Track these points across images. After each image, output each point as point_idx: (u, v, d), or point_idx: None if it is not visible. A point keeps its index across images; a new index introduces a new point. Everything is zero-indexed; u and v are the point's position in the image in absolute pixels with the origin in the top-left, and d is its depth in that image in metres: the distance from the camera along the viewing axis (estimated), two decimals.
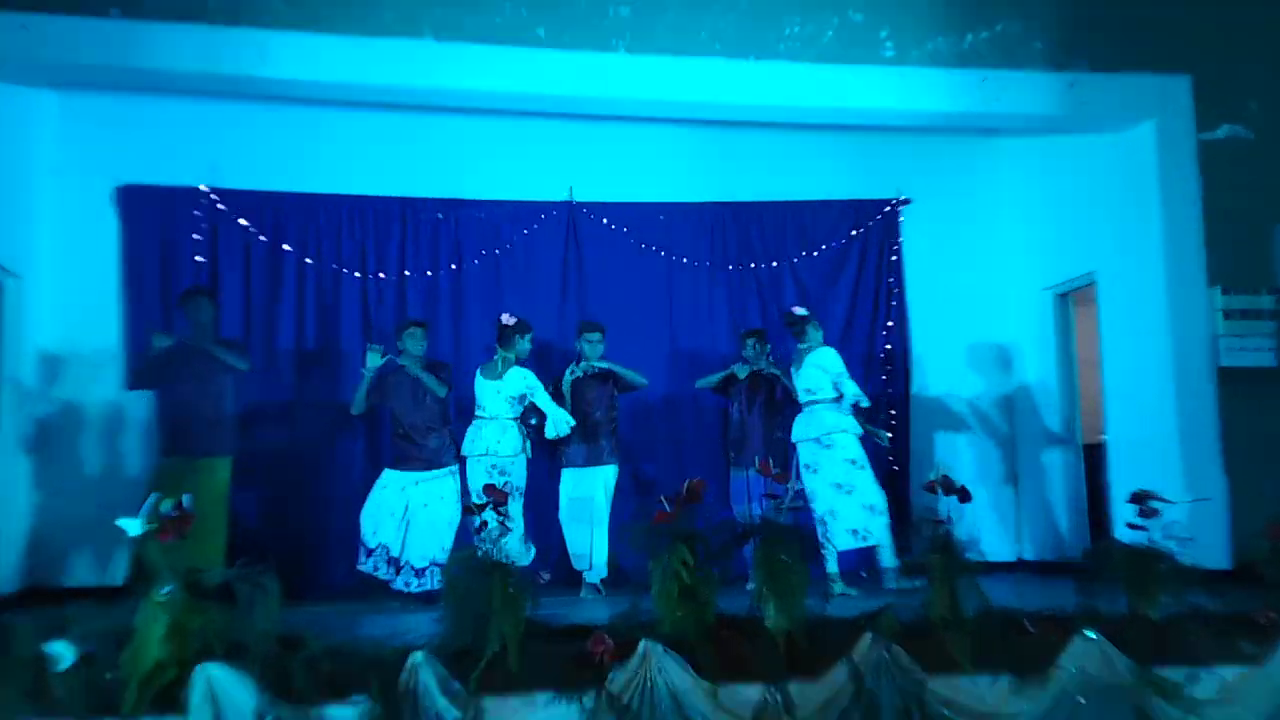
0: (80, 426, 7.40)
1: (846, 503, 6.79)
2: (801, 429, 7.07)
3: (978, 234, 8.51)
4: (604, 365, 7.17)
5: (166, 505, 4.34)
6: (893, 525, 6.94)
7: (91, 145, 7.55)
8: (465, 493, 6.70)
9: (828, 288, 8.34)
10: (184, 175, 7.64)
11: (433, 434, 6.86)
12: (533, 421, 7.03)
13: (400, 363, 6.86)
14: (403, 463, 6.86)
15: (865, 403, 6.99)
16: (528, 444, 6.95)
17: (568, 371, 7.10)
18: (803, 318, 7.16)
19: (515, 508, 6.69)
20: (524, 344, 6.97)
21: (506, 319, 6.91)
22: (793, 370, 7.13)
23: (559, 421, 6.94)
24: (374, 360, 6.80)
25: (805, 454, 6.99)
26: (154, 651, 4.26)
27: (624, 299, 8.06)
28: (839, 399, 6.95)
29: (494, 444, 6.85)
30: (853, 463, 6.89)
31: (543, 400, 6.92)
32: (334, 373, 7.75)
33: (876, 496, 6.80)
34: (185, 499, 4.39)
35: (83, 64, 6.59)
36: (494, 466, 6.74)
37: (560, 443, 7.13)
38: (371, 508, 6.82)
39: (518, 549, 6.33)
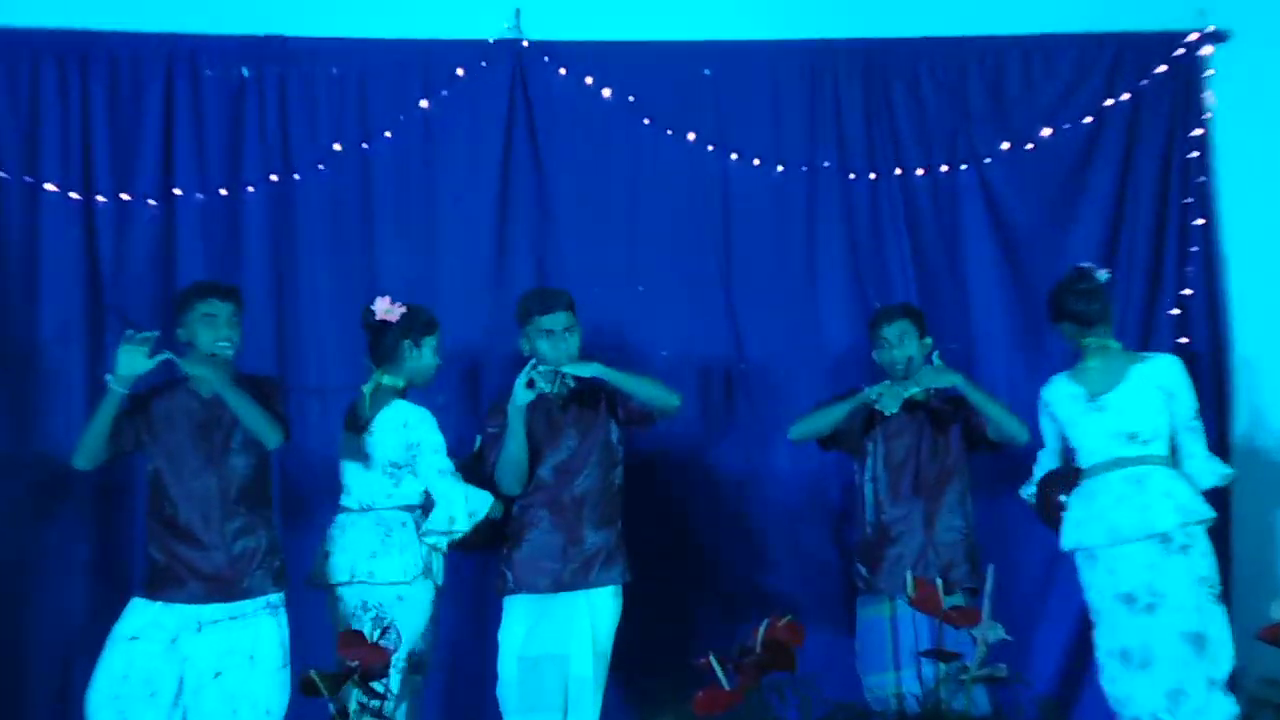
0: None
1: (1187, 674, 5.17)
2: (1078, 519, 5.35)
3: None
4: (589, 372, 5.19)
5: None
6: None
7: None
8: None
9: (1055, 215, 6.07)
10: None
11: (238, 528, 4.97)
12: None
13: (188, 372, 4.92)
14: (172, 586, 4.95)
15: (1224, 475, 5.34)
16: (434, 560, 5.18)
17: (519, 384, 5.07)
18: (1096, 288, 5.39)
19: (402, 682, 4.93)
20: (421, 356, 5.12)
21: (384, 308, 5.14)
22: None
23: (459, 507, 5.07)
24: (135, 363, 4.75)
25: (1086, 568, 5.35)
26: None
27: (628, 238, 5.91)
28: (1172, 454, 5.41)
29: (364, 562, 5.15)
30: (1209, 588, 5.24)
31: (430, 463, 5.15)
32: (24, 393, 5.56)
33: (1228, 661, 5.19)
34: None
35: None
36: (365, 607, 5.01)
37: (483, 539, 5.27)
38: (108, 680, 4.86)
39: None
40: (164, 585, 4.87)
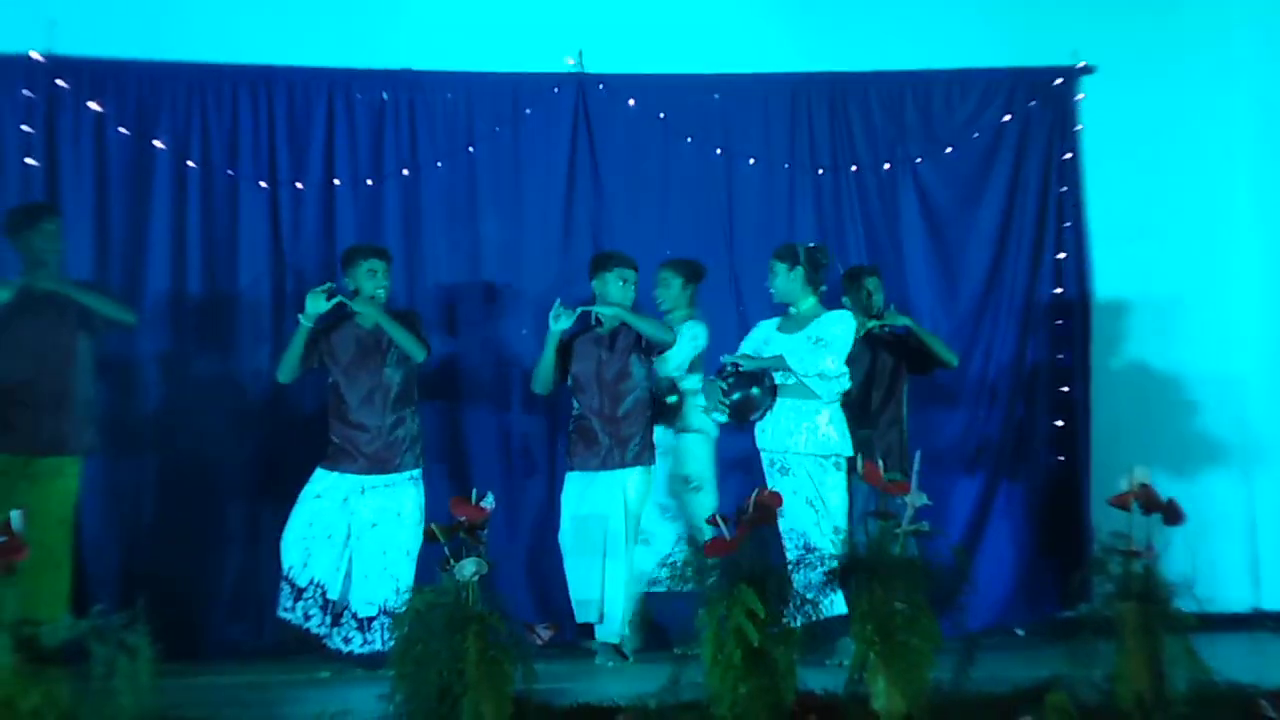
0: None
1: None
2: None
3: (1197, 121, 7.59)
4: (611, 311, 6.19)
5: None
6: (1062, 555, 6.66)
7: None
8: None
9: (968, 201, 7.34)
10: (6, 37, 6.62)
11: (394, 418, 6.03)
12: None
13: (358, 309, 5.99)
14: (345, 461, 5.99)
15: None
16: None
17: (552, 317, 6.08)
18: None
19: None
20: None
21: None
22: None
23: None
24: (319, 304, 5.94)
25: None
26: None
27: (659, 218, 7.17)
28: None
29: None
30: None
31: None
32: (230, 329, 6.76)
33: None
34: (14, 516, 4.05)
35: None
36: None
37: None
38: (299, 527, 5.97)
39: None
40: (339, 460, 6.02)
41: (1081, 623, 5.18)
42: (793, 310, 5.91)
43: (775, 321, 5.96)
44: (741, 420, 5.94)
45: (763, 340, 6.00)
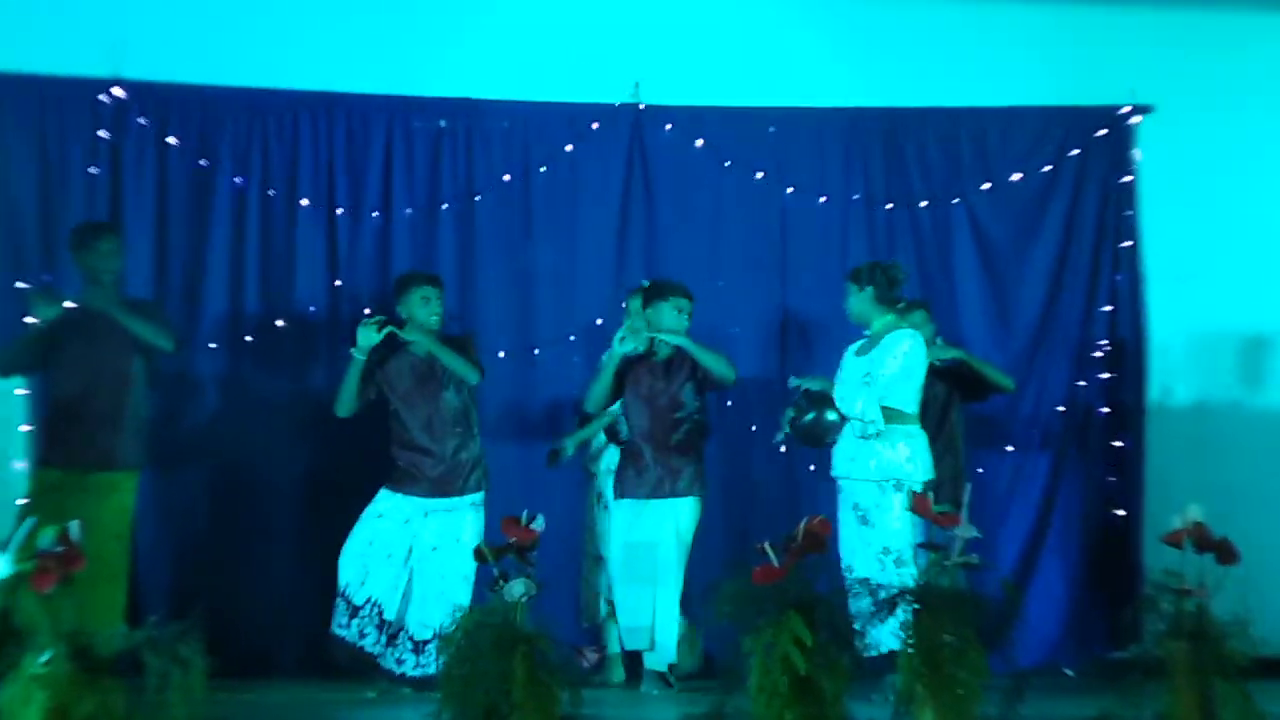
0: None
1: None
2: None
3: (1255, 159, 7.41)
4: (677, 341, 6.17)
5: (47, 536, 4.09)
6: (1113, 594, 6.53)
7: None
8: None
9: (1022, 238, 7.31)
10: (76, 60, 6.67)
11: (456, 442, 6.06)
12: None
13: (409, 339, 6.03)
14: (409, 484, 6.05)
15: None
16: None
17: (617, 339, 6.08)
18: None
19: None
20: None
21: None
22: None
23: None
24: (370, 337, 5.97)
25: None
26: None
27: (711, 248, 7.17)
28: None
29: None
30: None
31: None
32: (285, 351, 6.84)
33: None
34: (73, 527, 4.10)
35: None
36: None
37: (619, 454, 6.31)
38: (358, 544, 6.00)
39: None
40: (403, 482, 6.04)
41: (1132, 662, 5.12)
42: (867, 331, 5.89)
43: (858, 344, 6.00)
44: (814, 444, 5.93)
45: (842, 363, 6.03)
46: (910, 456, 5.78)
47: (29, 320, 5.88)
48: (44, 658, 3.97)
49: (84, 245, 5.93)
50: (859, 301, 5.93)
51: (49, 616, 4.01)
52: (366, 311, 6.23)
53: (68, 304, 5.77)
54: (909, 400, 5.80)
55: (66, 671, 3.96)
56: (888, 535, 5.73)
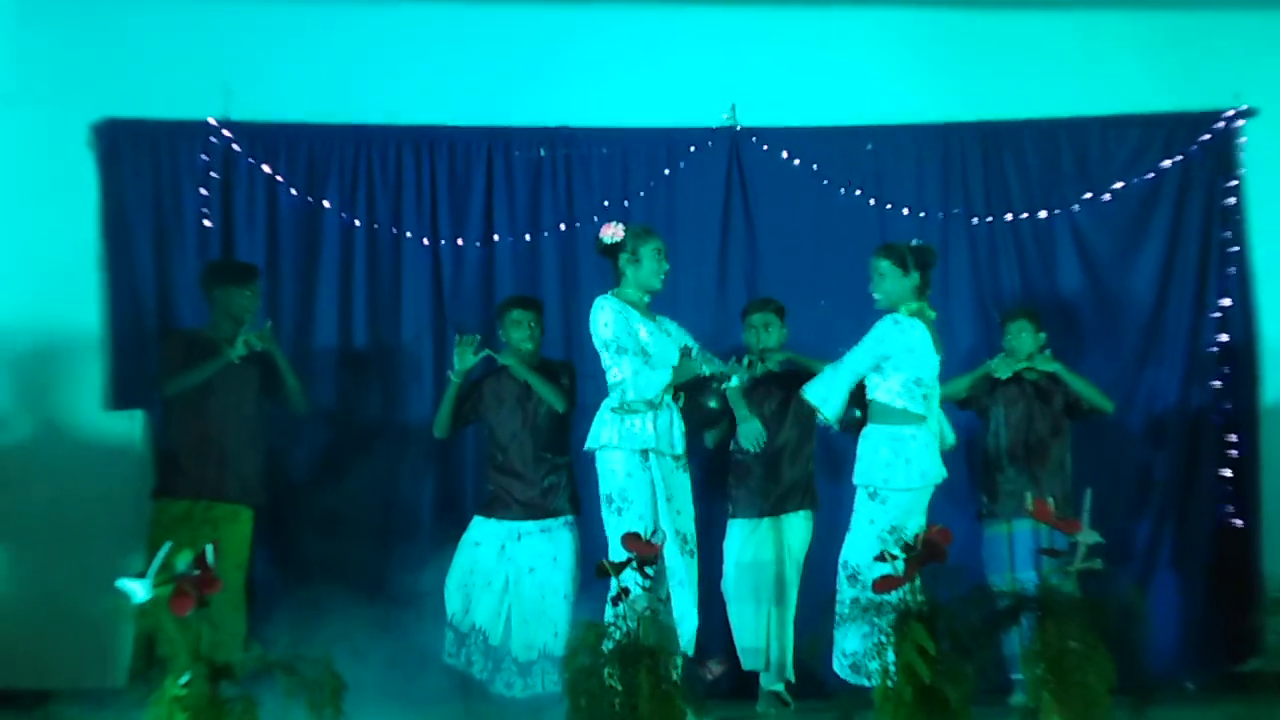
0: (39, 457, 6.73)
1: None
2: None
3: None
4: (783, 357, 6.31)
5: (183, 560, 4.07)
6: (1232, 606, 6.29)
7: (58, 64, 6.92)
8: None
9: (1127, 246, 7.22)
10: (185, 104, 6.87)
11: (547, 465, 6.11)
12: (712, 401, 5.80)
13: (502, 363, 6.14)
14: (501, 508, 6.12)
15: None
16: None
17: (734, 372, 5.89)
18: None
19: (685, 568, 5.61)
20: (640, 265, 5.82)
21: (608, 232, 5.88)
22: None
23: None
24: (466, 360, 6.08)
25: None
26: None
27: (813, 267, 7.16)
28: None
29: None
30: None
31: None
32: (394, 382, 6.97)
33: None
34: (209, 550, 4.10)
35: None
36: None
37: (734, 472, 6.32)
38: (459, 574, 6.09)
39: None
40: (496, 507, 6.12)
41: (1255, 677, 5.18)
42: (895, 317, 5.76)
43: None
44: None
45: None
46: (890, 461, 5.58)
47: (218, 354, 5.94)
48: (184, 679, 4.00)
49: (233, 283, 6.09)
50: (899, 285, 5.75)
51: (187, 639, 4.04)
52: (459, 337, 6.29)
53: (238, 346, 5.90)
54: (897, 395, 5.67)
55: (205, 693, 4.00)
56: (850, 546, 5.56)
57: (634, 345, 5.57)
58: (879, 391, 5.65)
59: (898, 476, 5.54)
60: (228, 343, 5.91)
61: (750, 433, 6.08)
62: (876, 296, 5.80)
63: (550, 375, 6.12)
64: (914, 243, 5.92)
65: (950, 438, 5.98)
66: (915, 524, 5.33)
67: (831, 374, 5.71)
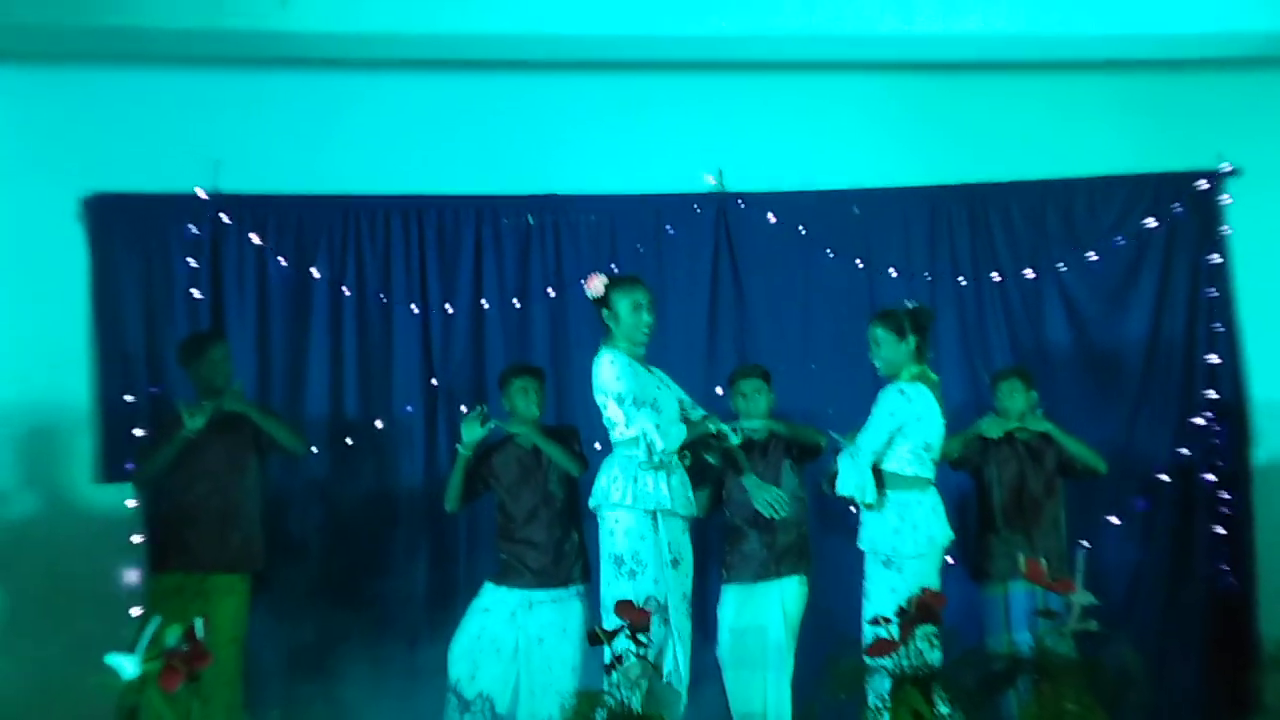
0: (36, 531, 6.73)
1: None
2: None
3: None
4: (759, 424, 6.20)
5: (172, 635, 4.19)
6: (1229, 663, 6.42)
7: (46, 138, 6.93)
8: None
9: (1113, 307, 7.28)
10: (174, 177, 6.92)
11: (560, 533, 6.12)
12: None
13: (512, 431, 6.09)
14: (513, 576, 6.11)
15: None
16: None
17: (722, 435, 5.94)
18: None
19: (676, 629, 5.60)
20: (618, 316, 5.79)
21: (592, 286, 5.84)
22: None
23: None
24: (474, 432, 6.03)
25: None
26: None
27: (802, 330, 7.24)
28: None
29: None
30: None
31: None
32: (385, 450, 6.99)
33: None
34: (198, 625, 4.26)
35: (29, 23, 6.39)
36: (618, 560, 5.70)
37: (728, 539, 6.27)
38: (467, 639, 6.07)
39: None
40: (507, 575, 6.09)
41: None
42: (899, 384, 5.74)
43: None
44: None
45: None
46: (898, 528, 5.59)
47: (181, 429, 5.93)
48: None
49: (195, 356, 6.10)
50: (897, 351, 5.72)
51: (176, 715, 4.13)
52: (464, 409, 6.29)
53: (199, 415, 5.86)
54: (907, 463, 5.66)
55: None
56: (877, 606, 5.42)
57: (649, 397, 5.56)
58: (890, 461, 5.65)
59: (906, 544, 5.53)
60: (189, 415, 5.91)
61: (766, 498, 6.08)
62: (876, 364, 5.80)
63: (561, 441, 6.13)
64: (909, 305, 5.91)
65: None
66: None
67: (852, 463, 5.67)
